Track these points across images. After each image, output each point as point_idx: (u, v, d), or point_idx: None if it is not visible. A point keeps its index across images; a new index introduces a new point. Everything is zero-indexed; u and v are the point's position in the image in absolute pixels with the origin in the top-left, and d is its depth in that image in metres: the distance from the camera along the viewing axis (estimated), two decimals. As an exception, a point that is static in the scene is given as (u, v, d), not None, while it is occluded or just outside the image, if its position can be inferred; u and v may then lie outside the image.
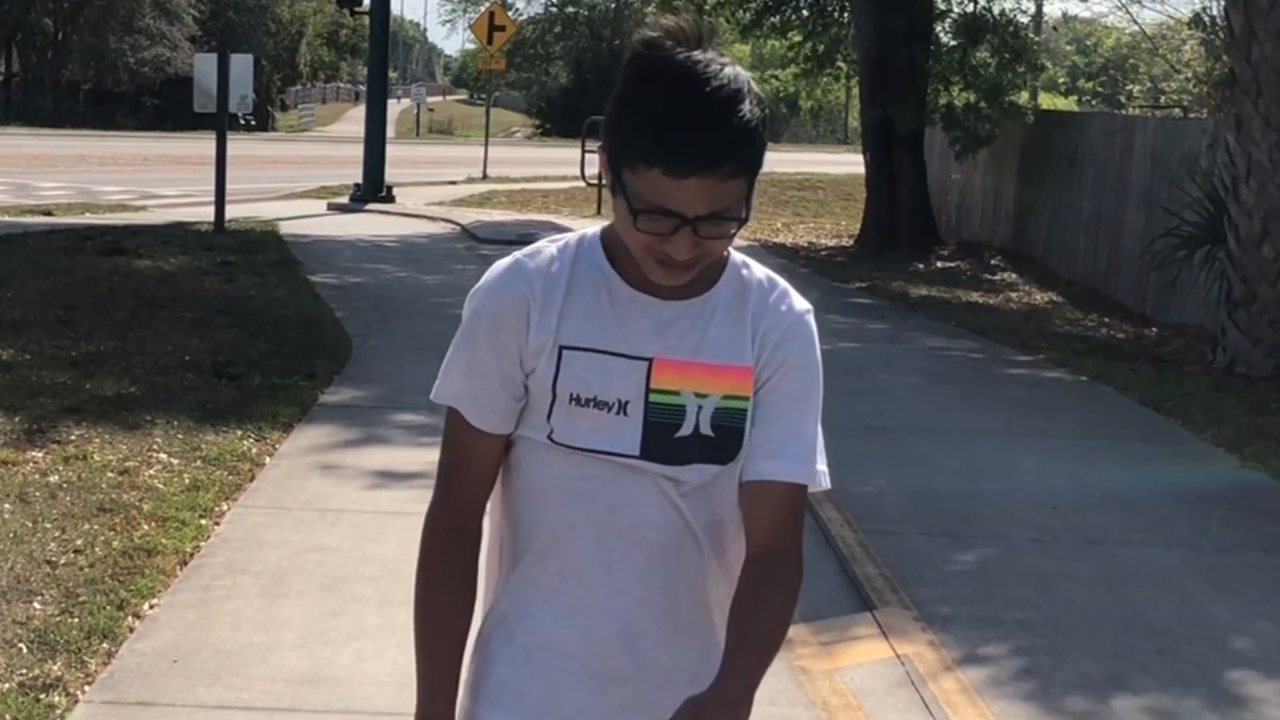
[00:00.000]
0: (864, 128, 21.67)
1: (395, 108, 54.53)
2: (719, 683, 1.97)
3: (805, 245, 21.14)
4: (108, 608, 5.19)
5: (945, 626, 5.52)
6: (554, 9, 66.89)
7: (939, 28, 21.46)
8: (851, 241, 21.13)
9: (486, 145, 32.59)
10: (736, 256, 2.13)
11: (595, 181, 22.19)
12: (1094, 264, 16.95)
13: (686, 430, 2.07)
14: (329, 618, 5.31)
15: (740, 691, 1.96)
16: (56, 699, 4.48)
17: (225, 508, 6.58)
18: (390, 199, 23.40)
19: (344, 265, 15.79)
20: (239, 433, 7.77)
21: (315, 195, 24.62)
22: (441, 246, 18.54)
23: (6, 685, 4.54)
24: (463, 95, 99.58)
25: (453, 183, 28.80)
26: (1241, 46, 11.41)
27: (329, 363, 9.87)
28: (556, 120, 60.22)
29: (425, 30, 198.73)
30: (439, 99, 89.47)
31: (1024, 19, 22.51)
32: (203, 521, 6.30)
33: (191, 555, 5.90)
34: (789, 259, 18.93)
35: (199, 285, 13.22)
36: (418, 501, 6.42)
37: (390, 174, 23.98)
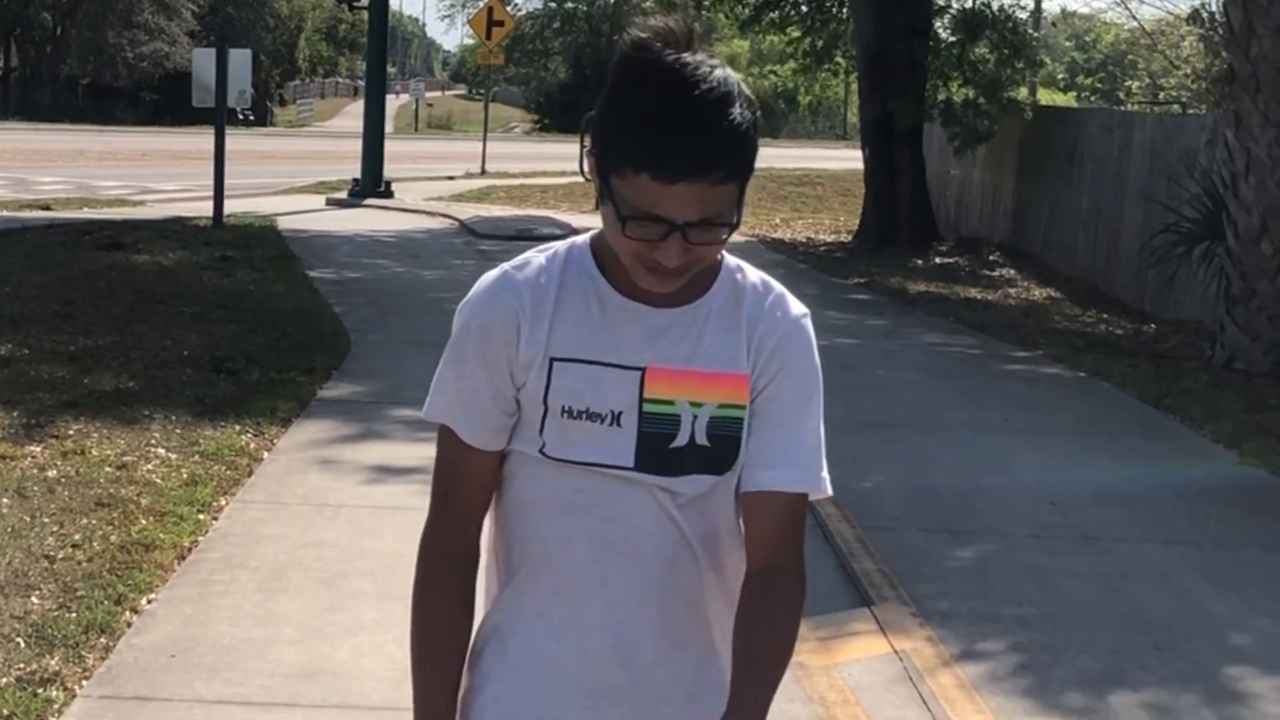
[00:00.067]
0: (863, 123, 21.66)
1: (394, 103, 54.46)
2: (730, 718, 1.94)
3: (804, 241, 21.14)
4: (105, 602, 5.19)
5: (943, 622, 5.52)
6: (553, 4, 66.85)
7: (938, 23, 21.45)
8: (850, 237, 21.13)
9: (485, 140, 32.58)
10: (730, 260, 2.08)
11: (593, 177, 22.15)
12: (1093, 260, 16.95)
13: (682, 440, 2.02)
14: (327, 613, 5.31)
15: None
16: (54, 694, 4.48)
17: (223, 503, 6.58)
18: (389, 194, 23.40)
19: (342, 260, 15.79)
20: (237, 428, 7.77)
21: (314, 190, 24.61)
22: (440, 242, 18.54)
23: (4, 680, 4.54)
24: (461, 90, 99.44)
25: (451, 178, 28.80)
26: (1240, 42, 11.40)
27: (327, 358, 9.87)
28: (555, 115, 60.21)
29: (424, 25, 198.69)
30: (438, 94, 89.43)
31: (1023, 15, 22.53)
32: (201, 516, 6.30)
33: (189, 550, 5.90)
34: (787, 254, 18.94)
35: (197, 280, 13.22)
36: (416, 496, 6.44)
37: (389, 169, 23.98)
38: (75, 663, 4.70)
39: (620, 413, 2.01)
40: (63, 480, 6.63)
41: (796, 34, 23.28)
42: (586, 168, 1.99)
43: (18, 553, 5.65)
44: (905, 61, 19.78)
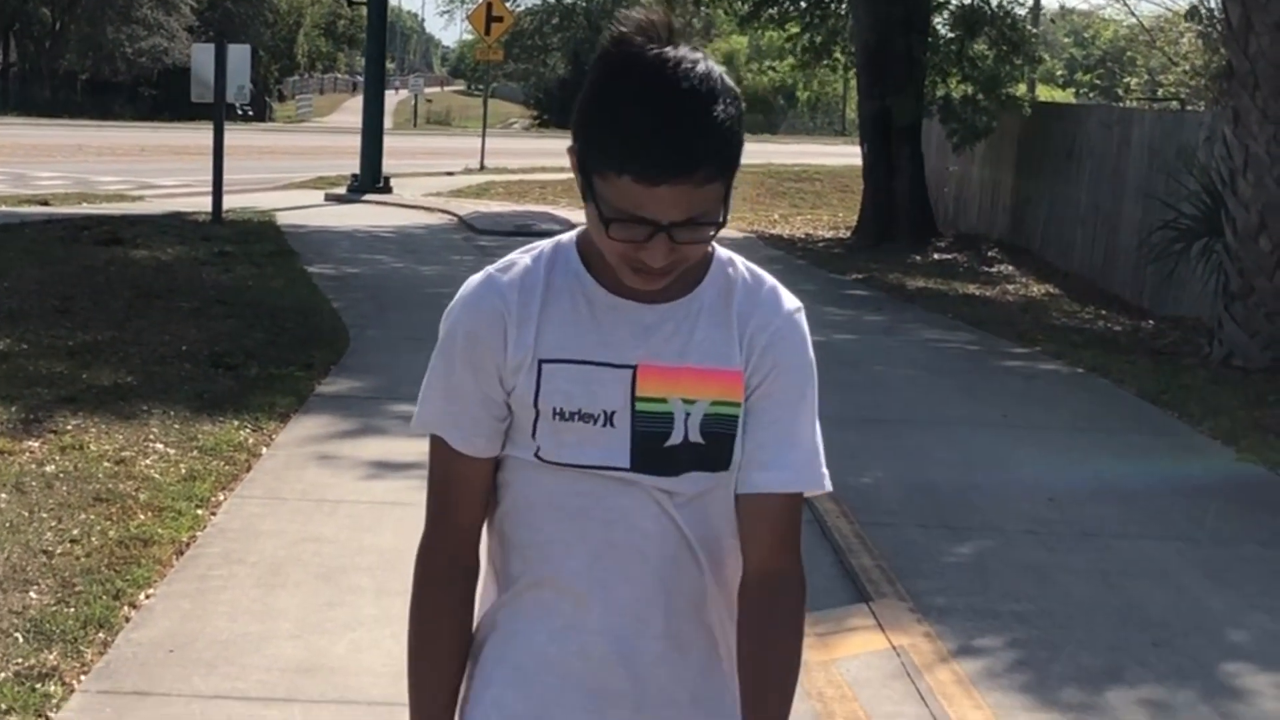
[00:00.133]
0: (861, 119, 21.65)
1: (393, 98, 54.51)
2: None
3: (802, 237, 21.14)
4: (104, 597, 5.19)
5: (941, 618, 5.53)
6: (551, 0, 66.83)
7: (937, 19, 21.46)
8: (848, 233, 21.12)
9: (484, 136, 32.58)
10: (722, 253, 2.03)
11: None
12: (1091, 256, 16.95)
13: (676, 439, 1.98)
14: (325, 608, 5.31)
15: None
16: (52, 688, 4.48)
17: (222, 498, 6.58)
18: (387, 190, 23.40)
19: (341, 256, 15.79)
20: (236, 423, 7.77)
21: (312, 186, 24.61)
22: (439, 237, 18.53)
23: (3, 675, 4.54)
24: (460, 86, 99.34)
25: (450, 173, 28.79)
26: (1239, 39, 11.40)
27: (326, 353, 9.88)
28: (554, 111, 60.18)
29: (423, 21, 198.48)
30: (436, 90, 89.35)
31: (1021, 11, 22.55)
32: (199, 511, 6.30)
33: (188, 545, 5.90)
34: (786, 250, 18.94)
35: (196, 275, 13.22)
36: (414, 491, 6.43)
37: (387, 165, 23.99)
38: (73, 658, 4.70)
39: (613, 412, 1.97)
40: (61, 475, 6.63)
41: (795, 30, 23.28)
42: (569, 165, 1.94)
43: (16, 548, 5.65)
44: (904, 57, 19.77)
